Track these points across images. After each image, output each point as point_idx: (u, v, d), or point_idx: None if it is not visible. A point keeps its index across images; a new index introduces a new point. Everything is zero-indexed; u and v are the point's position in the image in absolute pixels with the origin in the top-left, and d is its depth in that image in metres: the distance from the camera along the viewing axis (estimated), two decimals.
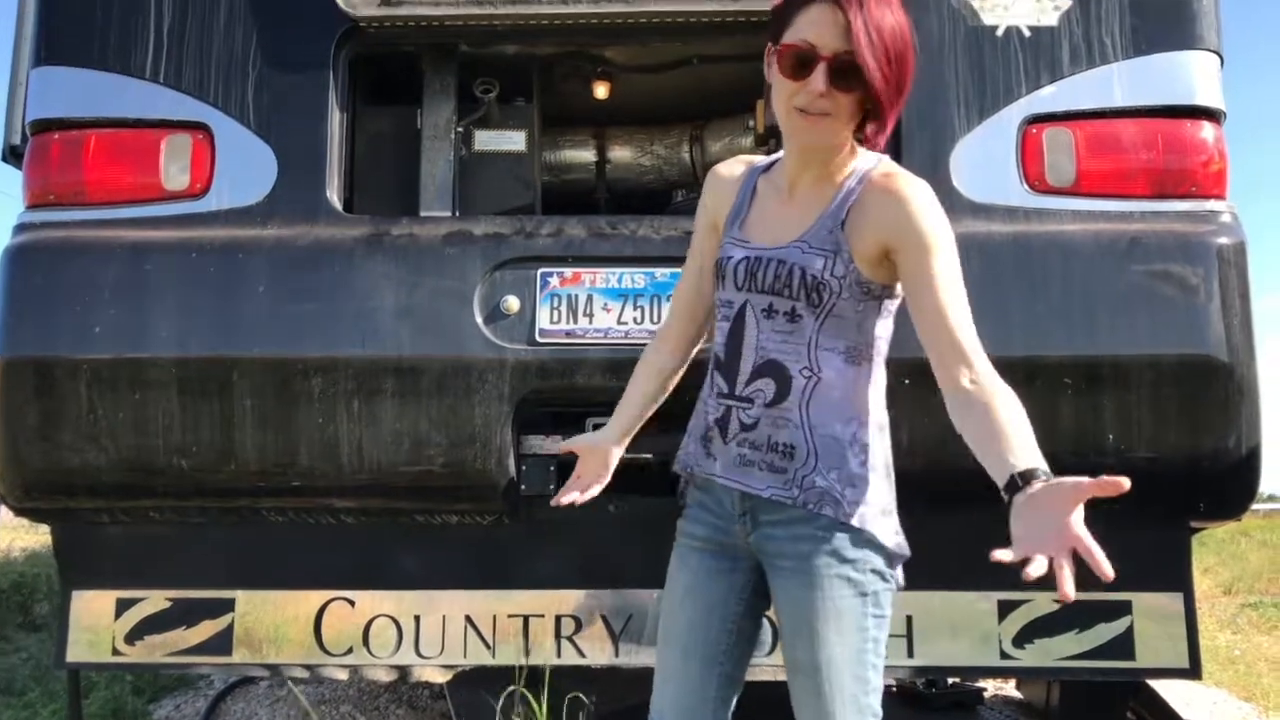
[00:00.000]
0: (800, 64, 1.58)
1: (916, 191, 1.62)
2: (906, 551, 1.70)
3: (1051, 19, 2.53)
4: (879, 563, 1.66)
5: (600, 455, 1.94)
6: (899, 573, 1.71)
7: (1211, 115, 2.51)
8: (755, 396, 1.68)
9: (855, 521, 1.63)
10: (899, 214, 1.61)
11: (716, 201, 1.83)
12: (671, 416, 2.48)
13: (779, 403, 1.66)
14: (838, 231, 1.64)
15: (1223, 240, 2.42)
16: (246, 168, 2.55)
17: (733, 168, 1.85)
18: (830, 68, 1.57)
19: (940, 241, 1.61)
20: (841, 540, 1.63)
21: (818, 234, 1.65)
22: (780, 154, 1.78)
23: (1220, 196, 2.49)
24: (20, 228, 2.58)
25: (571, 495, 1.89)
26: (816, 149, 1.67)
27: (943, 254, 1.61)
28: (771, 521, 1.68)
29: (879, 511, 1.66)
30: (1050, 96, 2.50)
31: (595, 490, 1.92)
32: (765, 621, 1.80)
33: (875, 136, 1.66)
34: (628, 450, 2.42)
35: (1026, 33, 2.53)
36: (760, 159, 1.84)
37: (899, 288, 1.69)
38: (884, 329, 1.71)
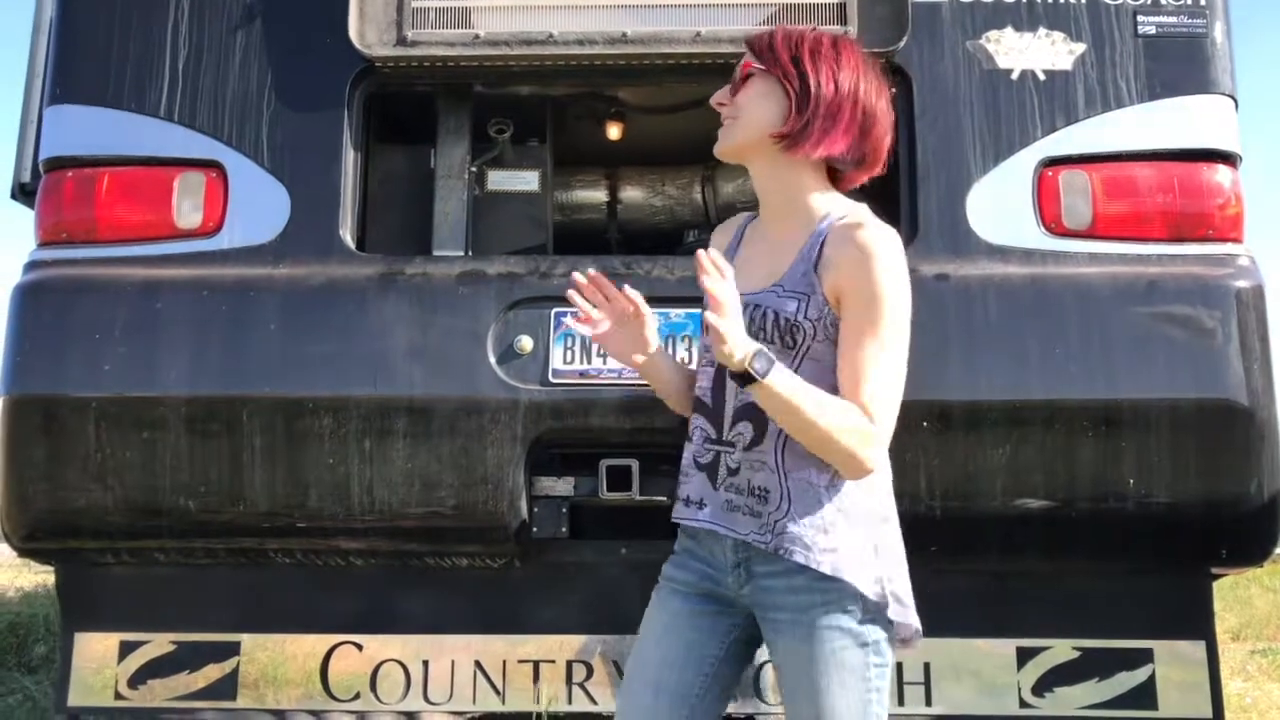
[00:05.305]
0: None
1: (870, 244, 1.60)
2: (894, 607, 1.63)
3: (1066, 63, 2.53)
4: (874, 610, 1.62)
5: (636, 330, 1.75)
6: (912, 617, 1.66)
7: (1227, 158, 2.51)
8: (737, 440, 1.67)
9: (828, 569, 1.59)
10: (849, 262, 1.61)
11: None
12: None
13: (756, 445, 1.65)
14: (811, 274, 1.65)
15: (1241, 283, 2.40)
16: (259, 206, 2.54)
17: (727, 223, 1.90)
18: (732, 84, 1.72)
19: (875, 300, 1.58)
20: (830, 590, 1.60)
21: (792, 277, 1.67)
22: None
23: (1238, 240, 2.48)
24: (31, 265, 2.56)
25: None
26: (733, 155, 1.74)
27: (872, 312, 1.59)
28: (768, 573, 1.64)
29: (855, 559, 1.61)
30: (1066, 139, 2.50)
31: (603, 325, 1.74)
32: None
33: (855, 176, 1.73)
34: (641, 493, 2.41)
35: (1041, 76, 2.53)
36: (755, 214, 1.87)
37: None
38: None
